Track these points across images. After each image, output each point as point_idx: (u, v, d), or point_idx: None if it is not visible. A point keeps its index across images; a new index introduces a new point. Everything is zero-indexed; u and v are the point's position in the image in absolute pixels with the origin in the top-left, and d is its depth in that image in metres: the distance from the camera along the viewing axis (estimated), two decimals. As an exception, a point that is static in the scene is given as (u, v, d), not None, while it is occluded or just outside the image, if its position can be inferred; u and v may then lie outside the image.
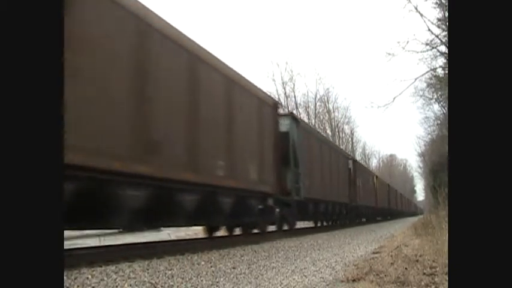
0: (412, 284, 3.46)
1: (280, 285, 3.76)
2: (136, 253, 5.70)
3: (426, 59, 16.11)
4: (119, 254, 5.51)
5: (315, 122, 38.57)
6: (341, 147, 32.16)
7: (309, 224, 15.69)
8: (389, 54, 15.07)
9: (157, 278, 4.05)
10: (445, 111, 21.20)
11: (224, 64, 8.33)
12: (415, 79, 15.82)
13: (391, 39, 58.34)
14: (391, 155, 77.80)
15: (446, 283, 3.13)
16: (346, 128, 46.08)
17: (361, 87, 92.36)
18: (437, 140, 26.50)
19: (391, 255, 5.42)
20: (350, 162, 20.73)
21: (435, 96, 20.90)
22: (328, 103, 41.26)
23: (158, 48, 6.23)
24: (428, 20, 15.00)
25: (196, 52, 7.26)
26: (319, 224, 16.31)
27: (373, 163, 64.73)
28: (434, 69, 16.65)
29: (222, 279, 4.10)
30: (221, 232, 9.75)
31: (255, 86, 10.15)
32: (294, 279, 4.10)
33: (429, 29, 15.26)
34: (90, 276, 3.91)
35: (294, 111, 33.31)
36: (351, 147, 46.34)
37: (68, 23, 2.62)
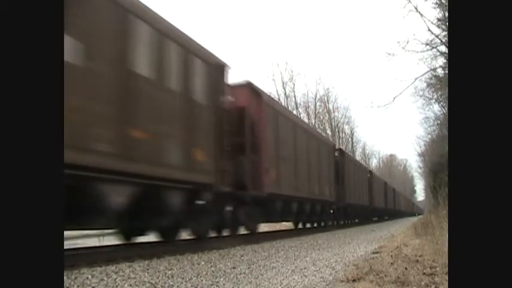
0: (412, 284, 3.45)
1: (280, 285, 3.76)
2: (137, 253, 5.71)
3: (426, 59, 16.06)
4: (119, 254, 5.52)
5: (315, 122, 38.57)
6: (341, 147, 32.09)
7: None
8: (389, 54, 15.01)
9: (157, 278, 4.05)
10: (445, 111, 21.18)
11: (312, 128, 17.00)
12: (415, 79, 15.75)
13: (391, 39, 58.28)
14: (391, 155, 77.88)
15: (446, 283, 3.13)
16: (346, 128, 46.12)
17: (361, 87, 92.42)
18: (437, 140, 26.47)
19: (391, 255, 5.41)
20: (369, 173, 26.88)
21: (435, 96, 20.84)
22: (328, 103, 41.27)
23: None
24: (428, 20, 14.94)
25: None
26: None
27: (373, 163, 64.83)
28: (434, 69, 16.61)
29: (222, 279, 4.10)
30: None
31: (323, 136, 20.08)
32: (294, 279, 4.10)
33: (429, 29, 15.21)
34: (90, 276, 3.91)
35: (294, 111, 33.38)
36: (351, 147, 46.35)
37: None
